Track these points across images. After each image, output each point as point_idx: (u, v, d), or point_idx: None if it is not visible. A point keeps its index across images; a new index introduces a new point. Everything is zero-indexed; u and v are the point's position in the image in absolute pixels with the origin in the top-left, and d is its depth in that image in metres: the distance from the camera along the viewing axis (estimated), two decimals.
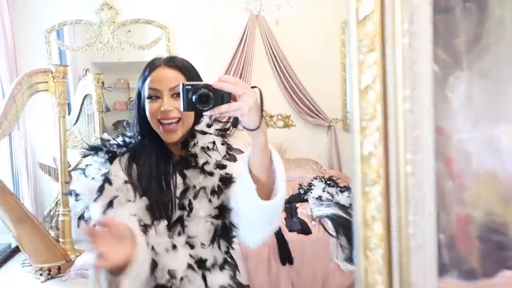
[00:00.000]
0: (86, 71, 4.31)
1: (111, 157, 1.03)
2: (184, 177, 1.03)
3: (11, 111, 3.07)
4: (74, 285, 3.00)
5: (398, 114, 0.40)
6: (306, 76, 4.19)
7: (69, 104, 4.31)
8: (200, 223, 1.01)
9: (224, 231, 1.03)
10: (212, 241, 1.01)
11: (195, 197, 1.01)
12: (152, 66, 1.03)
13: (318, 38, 4.21)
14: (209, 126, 1.10)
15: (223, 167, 1.05)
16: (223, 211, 1.02)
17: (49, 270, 3.21)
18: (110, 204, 0.95)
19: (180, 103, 0.82)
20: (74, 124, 4.18)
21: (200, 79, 1.02)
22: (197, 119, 1.08)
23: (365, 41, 0.39)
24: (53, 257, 3.23)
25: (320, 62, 4.23)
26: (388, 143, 0.41)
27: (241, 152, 1.11)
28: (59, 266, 3.24)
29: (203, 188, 1.02)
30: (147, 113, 1.02)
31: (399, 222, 0.41)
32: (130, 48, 4.13)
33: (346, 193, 3.11)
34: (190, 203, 1.01)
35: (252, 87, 0.83)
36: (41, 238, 3.19)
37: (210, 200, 1.02)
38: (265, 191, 0.89)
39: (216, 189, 1.02)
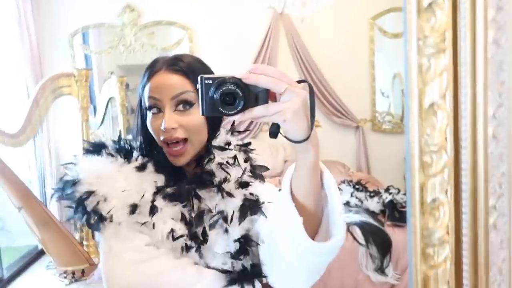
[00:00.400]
0: (111, 74, 4.31)
1: (125, 155, 0.84)
2: (198, 198, 0.83)
3: (34, 115, 3.06)
4: None
5: (477, 143, 0.28)
6: (332, 75, 4.03)
7: (95, 107, 4.33)
8: (215, 262, 0.79)
9: (245, 276, 0.78)
10: None
11: (211, 226, 0.80)
12: (151, 69, 0.83)
13: (345, 35, 4.04)
14: (228, 143, 0.91)
15: (246, 185, 0.85)
16: (246, 245, 0.79)
17: (73, 273, 3.20)
18: (152, 210, 0.78)
19: (199, 105, 0.58)
20: (99, 127, 4.18)
21: None
22: (213, 132, 0.87)
23: (431, 39, 0.26)
24: (77, 260, 3.22)
25: (347, 60, 4.06)
26: (461, 185, 0.28)
27: (267, 169, 0.92)
28: (83, 270, 3.23)
29: (221, 212, 0.80)
30: (149, 129, 0.83)
31: None
32: (153, 50, 4.09)
33: (375, 199, 2.94)
34: (204, 233, 0.80)
35: (299, 82, 0.60)
36: (65, 241, 3.19)
37: (226, 230, 0.79)
38: (311, 226, 0.65)
39: (237, 214, 0.80)
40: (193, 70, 0.81)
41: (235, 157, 0.88)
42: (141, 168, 0.82)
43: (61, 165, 0.83)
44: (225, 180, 0.83)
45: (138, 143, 0.87)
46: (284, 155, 4.06)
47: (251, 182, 0.86)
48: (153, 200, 0.78)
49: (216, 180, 0.84)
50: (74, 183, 0.77)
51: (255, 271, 0.78)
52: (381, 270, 2.49)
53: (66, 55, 4.06)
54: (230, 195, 0.82)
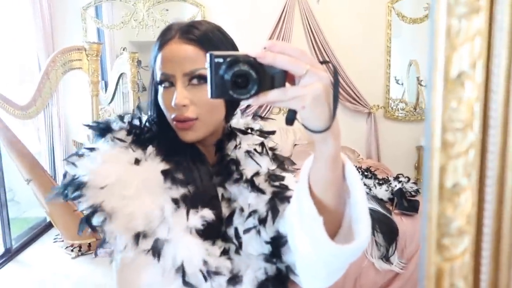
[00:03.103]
0: (123, 50, 4.28)
1: (136, 141, 0.74)
2: (227, 194, 0.74)
3: (44, 88, 3.06)
4: (104, 263, 3.02)
5: (509, 123, 0.24)
6: (347, 59, 3.94)
7: (106, 82, 4.32)
8: (251, 266, 0.71)
9: (280, 280, 0.72)
10: None
11: (246, 231, 0.71)
12: (163, 38, 0.73)
13: (362, 19, 3.93)
14: (250, 128, 0.83)
15: (277, 179, 0.76)
16: (278, 247, 0.72)
17: (80, 246, 3.24)
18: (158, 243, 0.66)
19: (207, 86, 0.50)
20: (110, 103, 4.17)
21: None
22: (231, 111, 0.78)
23: None
24: (84, 234, 3.26)
25: (362, 44, 3.96)
26: (487, 170, 0.25)
27: (293, 163, 0.83)
28: (89, 244, 3.27)
29: (254, 212, 0.72)
30: (161, 104, 0.75)
31: None
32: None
33: (384, 186, 2.90)
34: (237, 235, 0.72)
35: (322, 63, 0.52)
36: (72, 215, 3.22)
37: (259, 232, 0.71)
38: (331, 224, 0.58)
39: (270, 213, 0.71)
40: (209, 39, 0.72)
41: (262, 145, 0.79)
42: (155, 158, 0.72)
43: (64, 160, 0.72)
44: (257, 173, 0.74)
45: (150, 119, 0.78)
46: (293, 139, 4.01)
47: (284, 175, 0.77)
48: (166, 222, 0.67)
49: (247, 173, 0.74)
50: (78, 186, 0.66)
51: (290, 273, 0.72)
52: (386, 258, 2.46)
53: (79, 29, 4.03)
54: (262, 191, 0.73)
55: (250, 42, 3.78)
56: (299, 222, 0.59)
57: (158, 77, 0.73)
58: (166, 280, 0.66)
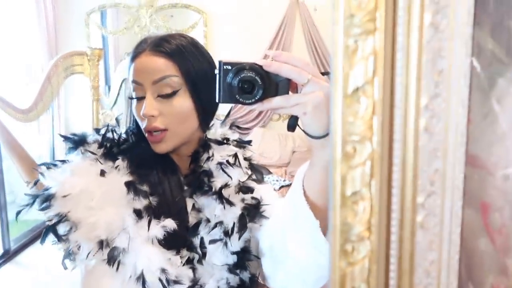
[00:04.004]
0: (126, 55, 4.33)
1: (106, 154, 0.76)
2: (194, 204, 0.76)
3: (46, 92, 3.10)
4: None
5: (407, 135, 0.26)
6: None
7: (109, 87, 4.37)
8: (214, 276, 0.73)
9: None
10: None
11: (211, 241, 0.73)
12: (136, 50, 0.76)
13: None
14: (226, 138, 0.83)
15: (248, 191, 0.77)
16: (244, 258, 0.74)
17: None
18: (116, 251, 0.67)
19: (216, 91, 0.54)
20: (112, 107, 4.21)
21: (211, 70, 0.68)
22: (205, 122, 0.79)
23: (357, 18, 0.24)
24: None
25: None
26: (389, 179, 0.26)
27: (269, 172, 0.85)
28: None
29: (220, 223, 0.73)
30: (134, 115, 0.77)
31: None
32: (161, 33, 4.08)
33: None
34: (202, 245, 0.73)
35: (323, 74, 0.55)
36: None
37: (226, 243, 0.73)
38: (323, 227, 0.59)
39: (236, 225, 0.73)
40: (181, 52, 0.74)
41: (235, 156, 0.80)
42: (122, 170, 0.75)
43: (39, 165, 0.74)
44: (226, 185, 0.76)
45: (127, 130, 0.81)
46: (292, 146, 4.03)
47: (254, 187, 0.79)
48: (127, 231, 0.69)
49: (216, 185, 0.76)
50: (47, 198, 0.69)
51: (253, 284, 0.74)
52: None
53: (82, 34, 4.09)
54: (230, 203, 0.74)
55: (251, 49, 3.82)
56: (294, 226, 0.61)
57: (130, 87, 0.76)
58: None
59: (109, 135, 0.80)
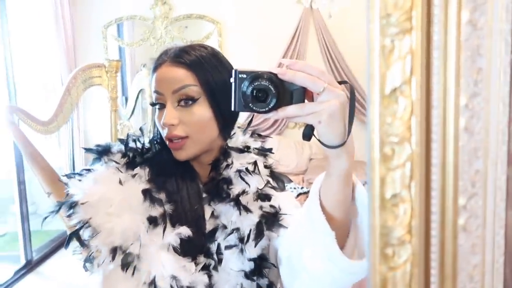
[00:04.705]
0: (143, 66, 4.40)
1: (128, 163, 0.78)
2: (213, 211, 0.77)
3: (66, 103, 3.16)
4: None
5: (447, 136, 0.25)
6: (361, 73, 3.94)
7: (126, 98, 4.44)
8: (229, 282, 0.73)
9: None
10: None
11: (227, 247, 0.74)
12: (157, 62, 0.78)
13: None
14: (247, 146, 0.84)
15: (266, 198, 0.77)
16: (261, 266, 0.73)
17: None
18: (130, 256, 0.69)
19: (231, 100, 0.55)
20: (129, 118, 4.28)
21: (227, 79, 0.66)
22: (225, 130, 0.80)
23: (394, 17, 0.24)
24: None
25: None
26: (429, 182, 0.26)
27: (290, 181, 0.86)
28: None
29: (237, 230, 0.74)
30: (157, 124, 0.79)
31: None
32: (182, 44, 4.14)
33: None
34: (219, 251, 0.74)
35: (340, 82, 0.55)
36: None
37: (242, 250, 0.73)
38: (339, 238, 0.58)
39: (253, 232, 0.73)
40: (200, 63, 0.75)
41: (255, 164, 0.81)
42: (141, 178, 0.77)
43: (64, 175, 0.77)
44: (244, 192, 0.77)
45: (152, 137, 0.83)
46: (309, 153, 4.01)
47: (272, 194, 0.79)
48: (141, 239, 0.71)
49: (234, 192, 0.76)
50: (71, 205, 0.71)
51: None
52: None
53: (100, 46, 4.18)
54: (247, 210, 0.75)
55: (265, 58, 3.84)
56: (310, 237, 0.60)
57: (152, 97, 0.78)
58: None
59: (132, 144, 0.82)
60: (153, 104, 0.79)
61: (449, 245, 0.26)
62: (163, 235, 0.72)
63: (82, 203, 0.70)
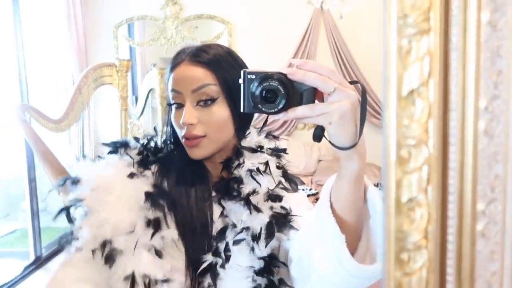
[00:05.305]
0: (153, 66, 4.42)
1: (141, 161, 0.79)
2: (222, 210, 0.77)
3: (77, 102, 3.19)
4: None
5: (465, 139, 0.24)
6: (372, 74, 3.91)
7: (136, 97, 4.47)
8: (238, 279, 0.72)
9: None
10: None
11: (236, 242, 0.72)
12: (174, 61, 0.78)
13: None
14: (260, 146, 0.83)
15: (277, 199, 0.77)
16: (271, 264, 0.72)
17: None
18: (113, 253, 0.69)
19: (240, 101, 0.54)
20: (139, 117, 4.30)
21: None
22: (241, 131, 0.81)
23: (411, 18, 0.23)
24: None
25: None
26: (446, 185, 0.25)
27: (302, 183, 0.85)
28: None
29: (247, 229, 0.73)
30: (173, 123, 0.78)
31: None
32: (199, 44, 4.15)
33: None
34: (227, 249, 0.73)
35: (351, 82, 0.54)
36: None
37: (253, 249, 0.72)
38: (349, 244, 0.57)
39: (264, 232, 0.72)
40: (218, 62, 0.75)
41: (267, 164, 0.80)
42: (149, 179, 0.78)
43: (75, 159, 0.80)
44: (254, 191, 0.76)
45: (166, 136, 0.84)
46: (318, 155, 3.99)
47: (283, 195, 0.78)
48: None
49: (245, 191, 0.76)
50: (73, 181, 0.74)
51: (283, 285, 0.73)
52: None
53: (111, 46, 4.21)
54: (257, 209, 0.74)
55: (275, 58, 3.84)
56: (320, 240, 0.59)
57: (170, 96, 0.77)
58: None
59: (150, 145, 0.84)
60: (170, 104, 0.78)
61: (467, 251, 0.25)
62: (151, 238, 0.72)
63: (87, 184, 0.72)
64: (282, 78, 0.52)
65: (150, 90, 4.05)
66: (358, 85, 0.57)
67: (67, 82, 3.91)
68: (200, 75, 0.74)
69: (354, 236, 0.59)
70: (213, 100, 0.75)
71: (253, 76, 0.53)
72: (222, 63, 0.76)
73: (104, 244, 0.69)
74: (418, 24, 0.23)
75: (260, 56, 3.84)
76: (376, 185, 2.95)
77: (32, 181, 3.33)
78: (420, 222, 0.24)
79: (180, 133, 0.77)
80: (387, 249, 0.25)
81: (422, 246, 0.25)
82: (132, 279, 0.68)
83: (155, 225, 0.73)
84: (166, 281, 0.70)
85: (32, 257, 3.24)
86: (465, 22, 0.24)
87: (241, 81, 0.54)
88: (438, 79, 0.24)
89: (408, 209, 0.25)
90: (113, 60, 3.63)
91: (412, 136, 0.24)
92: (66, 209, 0.72)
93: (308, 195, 3.12)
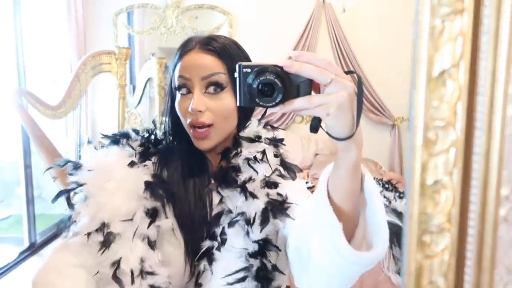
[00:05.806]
0: (152, 55, 4.39)
1: (143, 153, 0.81)
2: (221, 198, 0.78)
3: (74, 89, 3.17)
4: None
5: (493, 123, 0.24)
6: (371, 69, 3.91)
7: (134, 86, 4.44)
8: (232, 259, 0.73)
9: (263, 275, 0.73)
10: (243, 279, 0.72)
11: (230, 225, 0.74)
12: (184, 48, 0.78)
13: (388, 29, 3.90)
14: (258, 136, 0.85)
15: (272, 185, 0.78)
16: (265, 248, 0.74)
17: None
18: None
19: (236, 95, 0.54)
20: (136, 106, 4.28)
21: None
22: (244, 121, 0.83)
23: None
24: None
25: (388, 55, 3.93)
26: (471, 169, 0.25)
27: (300, 170, 0.85)
28: None
29: (242, 214, 0.74)
30: (177, 110, 0.79)
31: None
32: (193, 34, 4.12)
33: (405, 200, 2.84)
34: (223, 233, 0.75)
35: (347, 72, 0.54)
36: None
37: (248, 233, 0.73)
38: (346, 232, 0.57)
39: (259, 217, 0.74)
40: (228, 51, 0.77)
41: (263, 152, 0.82)
42: (149, 169, 0.80)
43: (81, 146, 0.83)
44: (250, 179, 0.78)
45: (165, 127, 0.85)
46: (315, 148, 4.00)
47: (279, 182, 0.79)
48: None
49: (241, 178, 0.78)
50: (75, 166, 0.75)
51: (275, 271, 0.74)
52: None
53: (110, 34, 4.17)
54: (253, 196, 0.76)
55: (276, 50, 3.82)
56: (316, 228, 0.60)
57: (176, 82, 0.78)
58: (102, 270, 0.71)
59: (151, 137, 0.85)
60: (177, 88, 0.78)
61: (489, 236, 0.25)
62: (148, 227, 0.74)
63: (87, 169, 0.74)
64: (278, 71, 0.52)
65: (148, 79, 4.03)
66: (354, 75, 0.56)
67: (65, 69, 3.88)
68: (210, 62, 0.75)
69: (351, 224, 0.59)
70: (222, 88, 0.76)
71: (249, 70, 0.53)
72: (231, 52, 0.77)
73: (101, 228, 0.70)
74: (453, 4, 0.22)
75: (260, 48, 3.82)
76: None
77: (27, 167, 3.31)
78: (445, 205, 0.24)
79: (186, 121, 0.77)
80: (408, 231, 0.25)
81: (446, 229, 0.25)
82: (118, 265, 0.70)
83: (152, 214, 0.75)
84: (151, 273, 0.72)
85: (26, 243, 3.23)
86: (499, 3, 0.23)
87: (236, 75, 0.54)
88: (469, 61, 0.24)
89: (433, 191, 0.24)
90: (111, 48, 3.61)
91: (441, 117, 0.24)
92: (66, 192, 0.74)
93: None
